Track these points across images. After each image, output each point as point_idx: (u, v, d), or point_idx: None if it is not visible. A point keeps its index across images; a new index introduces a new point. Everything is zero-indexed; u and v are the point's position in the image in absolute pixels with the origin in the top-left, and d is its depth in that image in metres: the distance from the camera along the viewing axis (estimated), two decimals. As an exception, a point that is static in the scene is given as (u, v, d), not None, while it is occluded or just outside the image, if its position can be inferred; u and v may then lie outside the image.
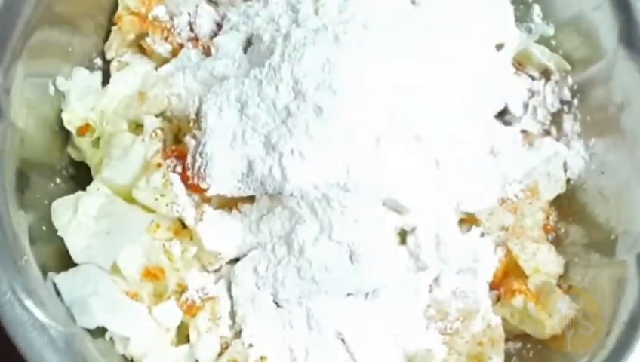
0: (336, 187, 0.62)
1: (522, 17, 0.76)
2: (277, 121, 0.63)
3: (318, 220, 0.64)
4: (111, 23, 0.76)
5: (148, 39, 0.75)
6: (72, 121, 0.71)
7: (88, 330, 0.64)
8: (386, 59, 0.64)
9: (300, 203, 0.64)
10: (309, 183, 0.62)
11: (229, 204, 0.68)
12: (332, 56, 0.62)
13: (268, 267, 0.66)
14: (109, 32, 0.77)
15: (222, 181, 0.65)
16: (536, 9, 0.76)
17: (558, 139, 0.75)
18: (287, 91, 0.63)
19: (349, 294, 0.67)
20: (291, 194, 0.63)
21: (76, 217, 0.66)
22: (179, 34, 0.76)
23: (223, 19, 0.75)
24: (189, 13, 0.76)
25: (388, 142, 0.63)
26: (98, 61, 0.77)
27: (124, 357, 0.66)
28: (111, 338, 0.66)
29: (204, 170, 0.65)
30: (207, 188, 0.66)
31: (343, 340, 0.66)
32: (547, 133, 0.76)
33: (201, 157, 0.66)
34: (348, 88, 0.62)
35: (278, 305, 0.67)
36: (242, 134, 0.64)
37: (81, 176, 0.72)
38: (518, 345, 0.70)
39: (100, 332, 0.65)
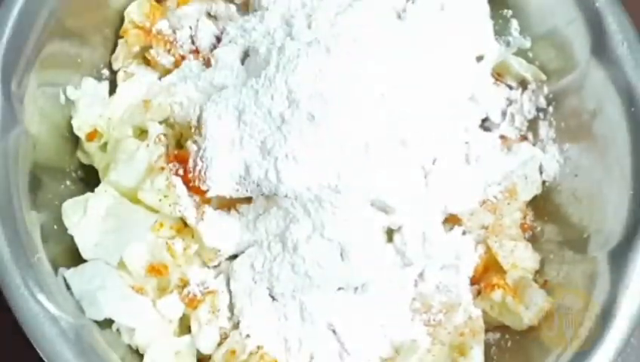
0: (328, 189, 0.64)
1: (501, 31, 0.77)
2: (272, 127, 0.64)
3: (310, 219, 0.66)
4: (117, 36, 0.78)
5: (152, 51, 0.77)
6: (81, 127, 0.72)
7: (96, 322, 0.65)
8: (374, 70, 0.66)
9: (294, 203, 0.65)
10: (302, 185, 0.64)
11: (227, 204, 0.69)
12: (324, 67, 0.63)
13: (264, 263, 0.68)
14: (115, 45, 0.78)
15: (221, 183, 0.67)
16: (514, 23, 0.77)
17: (534, 144, 0.76)
18: (282, 100, 0.64)
19: (339, 288, 0.68)
20: (286, 196, 0.65)
21: (85, 217, 0.67)
22: (181, 46, 0.77)
23: (222, 33, 0.77)
24: (191, 27, 0.78)
25: (376, 147, 0.64)
26: (105, 72, 0.78)
27: (129, 346, 0.68)
28: (117, 330, 0.67)
29: (205, 173, 0.67)
30: (208, 190, 0.67)
31: (334, 331, 0.68)
32: (524, 138, 0.77)
33: (202, 161, 0.67)
34: (338, 97, 0.63)
35: (273, 299, 0.68)
36: (240, 140, 0.66)
37: (89, 179, 0.73)
38: (497, 335, 0.72)
39: (107, 323, 0.66)
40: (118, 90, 0.76)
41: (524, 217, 0.75)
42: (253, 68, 0.69)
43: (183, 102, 0.72)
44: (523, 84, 0.78)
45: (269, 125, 0.65)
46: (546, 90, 0.76)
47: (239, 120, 0.66)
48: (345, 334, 0.68)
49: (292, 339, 0.68)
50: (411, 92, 0.67)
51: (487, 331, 0.71)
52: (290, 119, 0.64)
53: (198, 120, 0.69)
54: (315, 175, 0.64)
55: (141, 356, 0.68)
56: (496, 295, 0.70)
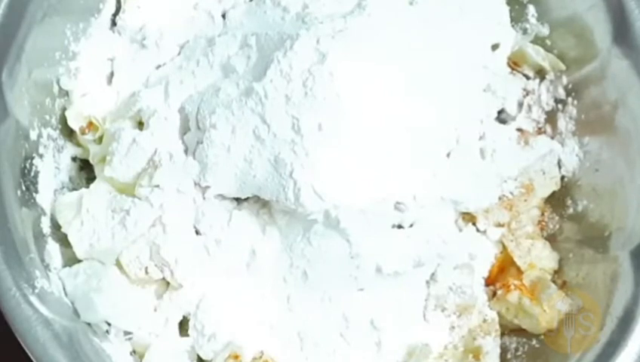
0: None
1: (517, 18, 0.75)
2: (286, 142, 0.62)
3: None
4: (114, 23, 0.75)
5: (150, 39, 0.74)
6: (75, 119, 0.71)
7: (92, 325, 0.63)
8: (384, 61, 0.63)
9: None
10: (320, 202, 0.61)
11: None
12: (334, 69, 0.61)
13: (267, 263, 0.66)
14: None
15: (222, 181, 0.65)
16: (532, 9, 0.75)
17: (552, 138, 0.74)
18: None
19: (347, 288, 0.66)
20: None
21: (80, 214, 0.66)
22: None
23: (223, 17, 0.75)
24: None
25: (387, 145, 0.63)
26: (102, 60, 0.75)
27: (127, 350, 0.66)
28: (114, 333, 0.65)
29: (205, 169, 0.65)
30: (208, 188, 0.65)
31: (341, 334, 0.66)
32: (542, 131, 0.75)
33: (202, 157, 0.65)
34: (345, 97, 0.61)
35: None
36: (250, 153, 0.63)
37: (85, 174, 0.72)
38: (514, 339, 0.70)
39: (103, 326, 0.64)
40: (114, 79, 0.74)
41: (542, 214, 0.73)
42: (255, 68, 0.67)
43: (181, 93, 0.69)
44: (541, 73, 0.76)
45: (281, 141, 0.62)
46: (565, 80, 0.74)
47: (251, 134, 0.63)
48: (354, 337, 0.66)
49: (294, 342, 0.67)
50: (423, 83, 0.65)
51: (502, 334, 0.70)
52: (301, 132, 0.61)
53: (197, 112, 0.67)
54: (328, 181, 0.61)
55: (139, 360, 0.66)
56: (513, 296, 0.68)
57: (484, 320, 0.69)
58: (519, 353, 0.69)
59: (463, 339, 0.68)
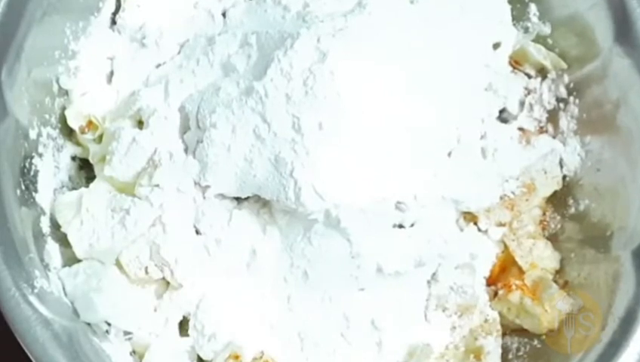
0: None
1: (519, 16, 0.75)
2: (286, 141, 0.61)
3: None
4: (114, 21, 0.75)
5: (150, 37, 0.74)
6: (75, 118, 0.70)
7: (91, 325, 0.63)
8: (384, 60, 0.63)
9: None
10: (321, 202, 0.61)
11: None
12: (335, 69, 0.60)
13: (269, 263, 0.65)
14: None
15: (222, 180, 0.65)
16: (533, 8, 0.75)
17: (554, 137, 0.74)
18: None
19: (347, 289, 0.65)
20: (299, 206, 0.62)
21: (79, 214, 0.65)
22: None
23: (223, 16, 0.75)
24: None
25: (388, 144, 0.63)
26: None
27: (126, 350, 0.65)
28: (114, 333, 0.64)
29: (205, 169, 0.65)
30: (208, 187, 0.65)
31: (342, 334, 0.66)
32: (543, 130, 0.75)
33: (202, 156, 0.64)
34: (345, 96, 0.61)
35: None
36: (250, 153, 0.63)
37: (84, 173, 0.72)
38: (515, 339, 0.70)
39: (103, 326, 0.64)
40: (114, 78, 0.74)
41: (544, 214, 0.73)
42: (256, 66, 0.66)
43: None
44: (542, 72, 0.75)
45: (282, 140, 0.62)
46: (566, 79, 0.74)
47: (251, 133, 0.63)
48: (355, 338, 0.66)
49: (294, 342, 0.66)
50: (424, 82, 0.65)
51: (504, 335, 0.69)
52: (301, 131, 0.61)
53: (198, 111, 0.66)
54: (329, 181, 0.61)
55: (139, 360, 0.66)
56: (514, 296, 0.68)
57: (486, 320, 0.68)
58: (521, 353, 0.69)
59: (464, 339, 0.68)
